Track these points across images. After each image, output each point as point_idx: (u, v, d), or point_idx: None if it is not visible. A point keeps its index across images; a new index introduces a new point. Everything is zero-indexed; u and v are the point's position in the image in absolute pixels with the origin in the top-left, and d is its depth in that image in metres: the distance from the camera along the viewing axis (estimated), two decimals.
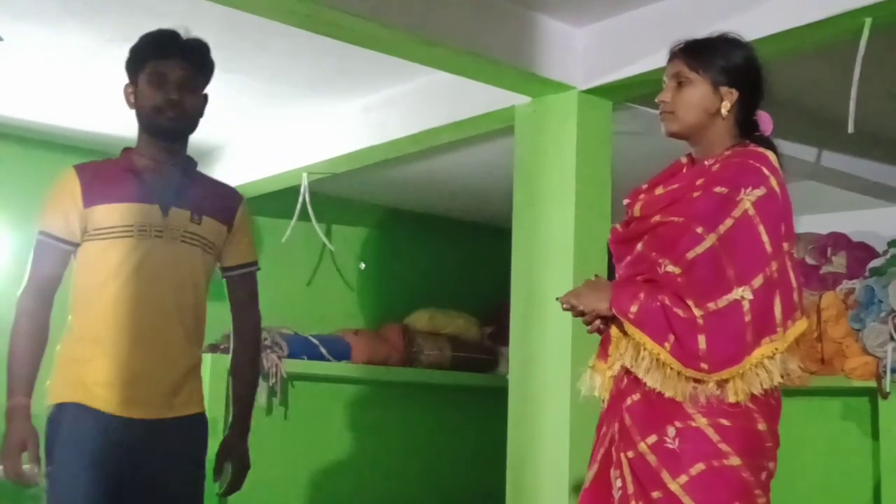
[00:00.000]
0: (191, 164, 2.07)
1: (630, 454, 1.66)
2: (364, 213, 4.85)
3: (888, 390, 3.89)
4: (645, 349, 1.65)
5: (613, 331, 1.82)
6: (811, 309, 4.08)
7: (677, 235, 1.66)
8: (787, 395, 4.36)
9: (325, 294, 4.68)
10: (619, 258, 1.83)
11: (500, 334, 4.89)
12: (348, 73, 3.77)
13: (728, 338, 1.63)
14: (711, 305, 1.64)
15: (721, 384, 1.61)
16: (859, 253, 4.31)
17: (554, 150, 3.69)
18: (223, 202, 2.02)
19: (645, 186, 1.83)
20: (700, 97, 1.71)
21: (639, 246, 1.74)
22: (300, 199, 4.38)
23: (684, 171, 1.79)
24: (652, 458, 1.64)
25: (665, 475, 1.63)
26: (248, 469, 2.05)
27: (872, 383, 3.97)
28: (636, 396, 1.69)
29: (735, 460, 1.63)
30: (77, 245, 1.85)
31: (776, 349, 1.64)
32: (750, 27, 2.92)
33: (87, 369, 1.83)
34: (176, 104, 1.94)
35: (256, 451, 4.26)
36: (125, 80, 2.37)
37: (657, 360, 1.64)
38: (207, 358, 4.36)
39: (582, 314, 1.74)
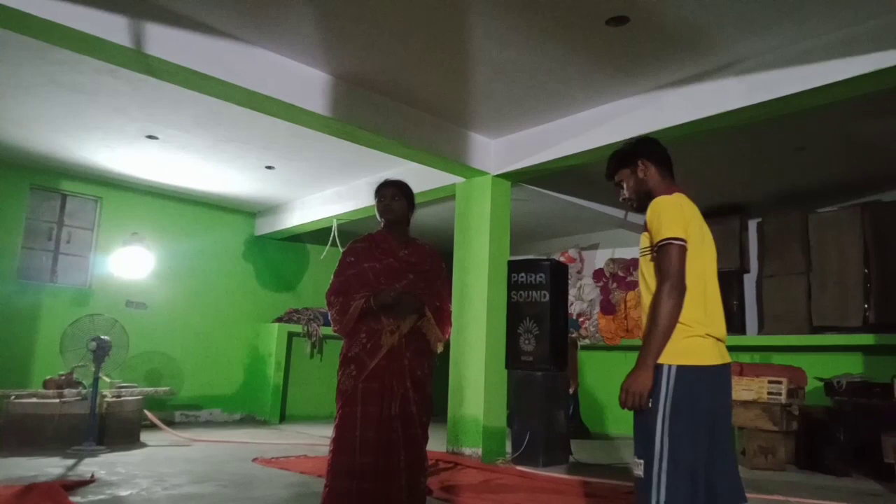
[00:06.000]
0: None
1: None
2: None
3: None
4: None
5: None
6: (622, 301, 5.45)
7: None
8: (608, 350, 6.08)
9: None
10: None
11: None
12: (359, 162, 4.79)
13: None
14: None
15: None
16: None
17: (477, 209, 4.43)
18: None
19: None
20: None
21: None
22: (332, 234, 5.54)
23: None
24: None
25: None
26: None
27: None
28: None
29: None
30: None
31: None
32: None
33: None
34: None
35: (303, 382, 6.35)
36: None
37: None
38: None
39: None
